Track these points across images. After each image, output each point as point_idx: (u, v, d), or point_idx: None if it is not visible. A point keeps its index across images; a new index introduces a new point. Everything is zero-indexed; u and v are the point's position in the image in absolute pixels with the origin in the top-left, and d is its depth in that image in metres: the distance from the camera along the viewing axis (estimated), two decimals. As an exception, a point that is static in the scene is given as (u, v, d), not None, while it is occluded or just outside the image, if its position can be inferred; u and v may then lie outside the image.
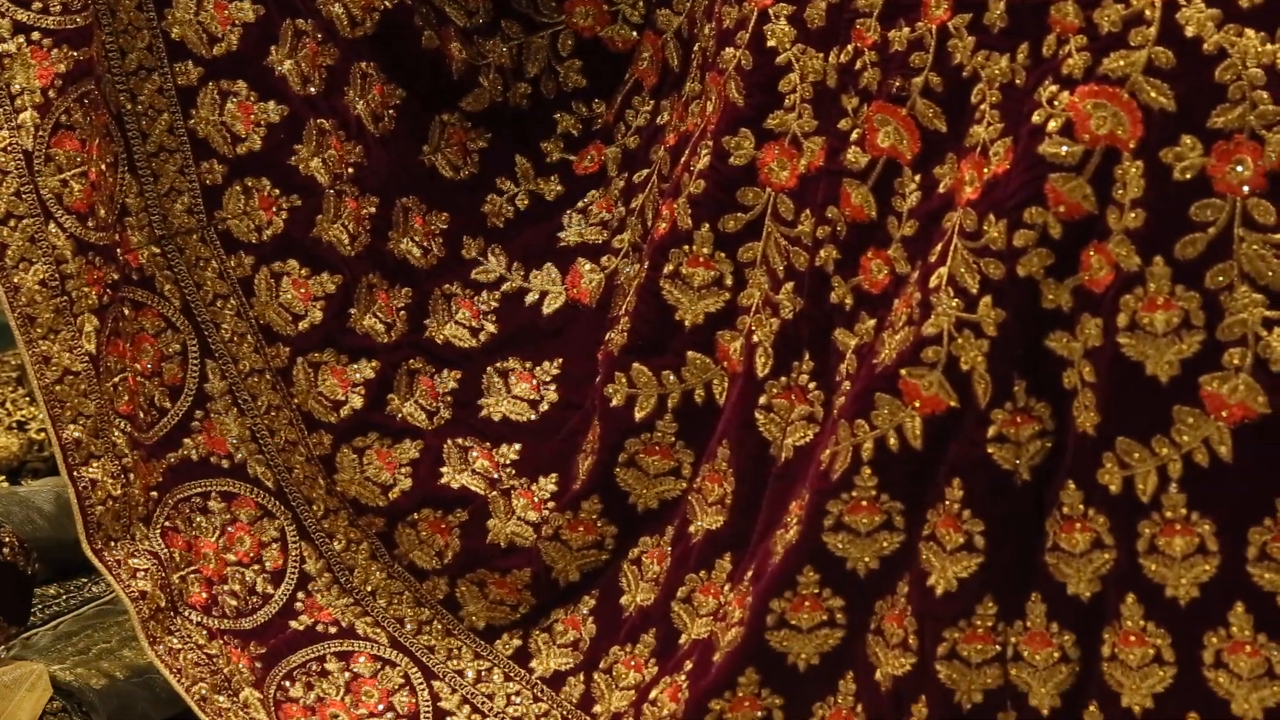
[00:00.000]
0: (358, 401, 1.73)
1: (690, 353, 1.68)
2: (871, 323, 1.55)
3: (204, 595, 1.67)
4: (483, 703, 1.70)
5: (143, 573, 1.62)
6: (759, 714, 1.54)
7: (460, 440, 1.76)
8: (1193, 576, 1.36)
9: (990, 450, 1.43)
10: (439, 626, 1.74)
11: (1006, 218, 1.40)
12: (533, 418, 1.78)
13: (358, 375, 1.74)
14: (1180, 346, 1.35)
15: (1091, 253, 1.37)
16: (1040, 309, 1.41)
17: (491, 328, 1.80)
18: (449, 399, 1.77)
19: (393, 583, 1.75)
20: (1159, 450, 1.36)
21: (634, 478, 1.70)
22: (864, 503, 1.48)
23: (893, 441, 1.47)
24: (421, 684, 1.70)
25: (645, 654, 1.65)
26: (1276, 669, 1.34)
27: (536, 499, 1.74)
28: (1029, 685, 1.44)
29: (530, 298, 1.81)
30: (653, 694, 1.60)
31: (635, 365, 1.69)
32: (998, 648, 1.44)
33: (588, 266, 1.80)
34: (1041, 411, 1.42)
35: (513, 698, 1.70)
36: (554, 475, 1.75)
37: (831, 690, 1.53)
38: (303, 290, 1.71)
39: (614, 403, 1.70)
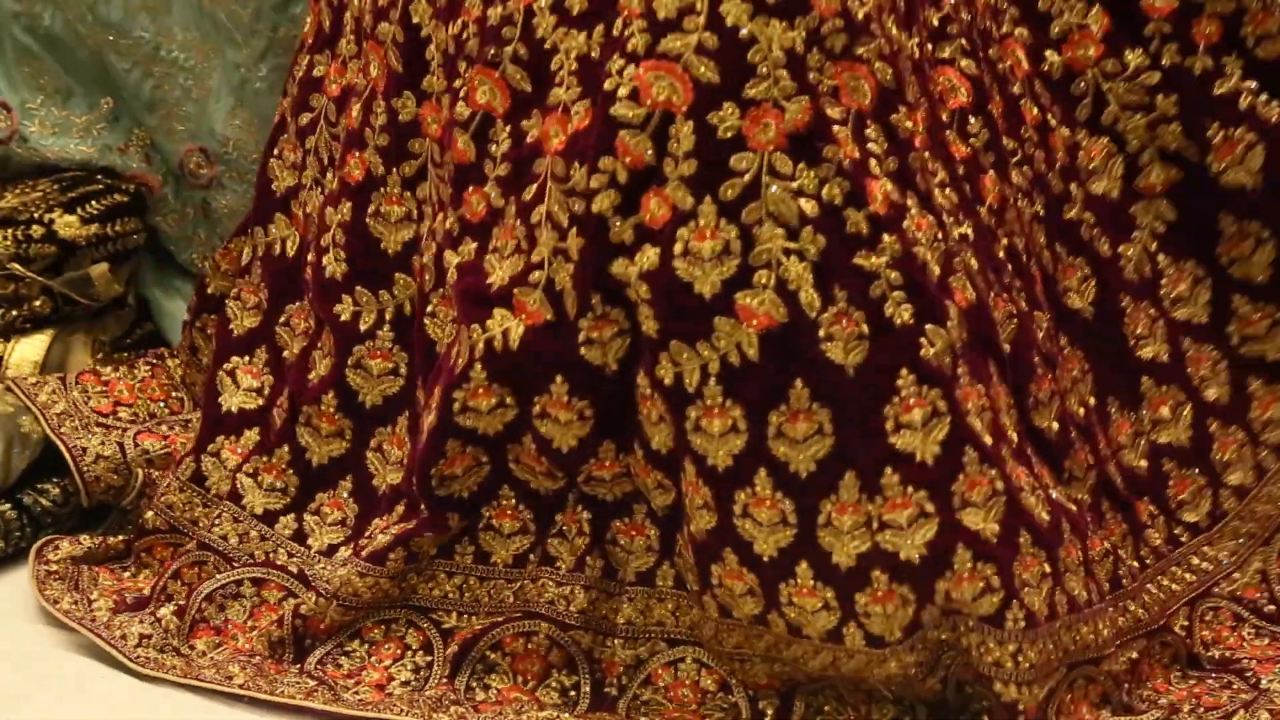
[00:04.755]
0: None
1: (397, 274, 1.80)
2: (474, 245, 1.66)
3: None
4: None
5: None
6: None
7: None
8: (727, 449, 1.50)
9: (583, 351, 1.57)
10: (255, 535, 1.85)
11: (587, 164, 1.52)
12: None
13: None
14: (722, 269, 1.46)
15: (651, 196, 1.49)
16: (608, 240, 1.53)
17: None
18: None
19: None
20: (702, 352, 1.48)
21: (361, 378, 1.82)
22: (480, 390, 1.62)
23: (498, 344, 1.60)
24: None
25: (397, 517, 1.77)
26: (789, 518, 1.49)
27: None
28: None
29: (276, 249, 1.93)
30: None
31: (357, 288, 1.80)
32: (624, 470, 1.63)
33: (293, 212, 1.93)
34: (617, 316, 1.55)
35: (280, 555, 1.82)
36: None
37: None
38: None
39: (343, 319, 1.81)
